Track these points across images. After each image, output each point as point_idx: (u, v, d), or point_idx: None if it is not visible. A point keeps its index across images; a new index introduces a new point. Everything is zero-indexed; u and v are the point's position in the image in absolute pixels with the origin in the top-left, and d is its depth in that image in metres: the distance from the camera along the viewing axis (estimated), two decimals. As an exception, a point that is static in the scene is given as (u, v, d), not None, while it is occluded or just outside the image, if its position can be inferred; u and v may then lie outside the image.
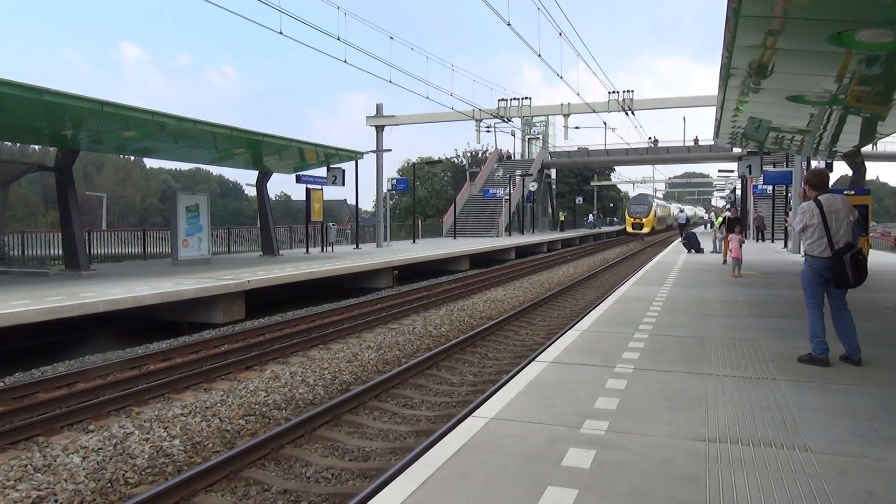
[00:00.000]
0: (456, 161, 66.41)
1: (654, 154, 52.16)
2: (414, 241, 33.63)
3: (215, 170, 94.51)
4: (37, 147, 54.51)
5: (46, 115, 13.06)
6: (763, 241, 31.80)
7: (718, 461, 3.72)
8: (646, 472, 3.57)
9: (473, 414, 4.67)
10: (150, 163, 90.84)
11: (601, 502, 3.21)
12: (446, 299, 15.91)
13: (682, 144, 53.13)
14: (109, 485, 5.36)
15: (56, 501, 5.06)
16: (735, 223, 16.71)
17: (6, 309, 9.39)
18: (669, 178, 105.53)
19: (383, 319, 12.93)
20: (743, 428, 4.28)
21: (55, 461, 5.68)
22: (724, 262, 17.48)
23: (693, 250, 22.85)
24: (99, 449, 5.95)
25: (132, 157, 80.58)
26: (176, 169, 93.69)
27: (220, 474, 5.47)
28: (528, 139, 64.16)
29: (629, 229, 57.06)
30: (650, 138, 52.03)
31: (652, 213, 57.26)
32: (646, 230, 56.46)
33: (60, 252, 16.72)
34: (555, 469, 3.61)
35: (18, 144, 58.83)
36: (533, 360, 7.08)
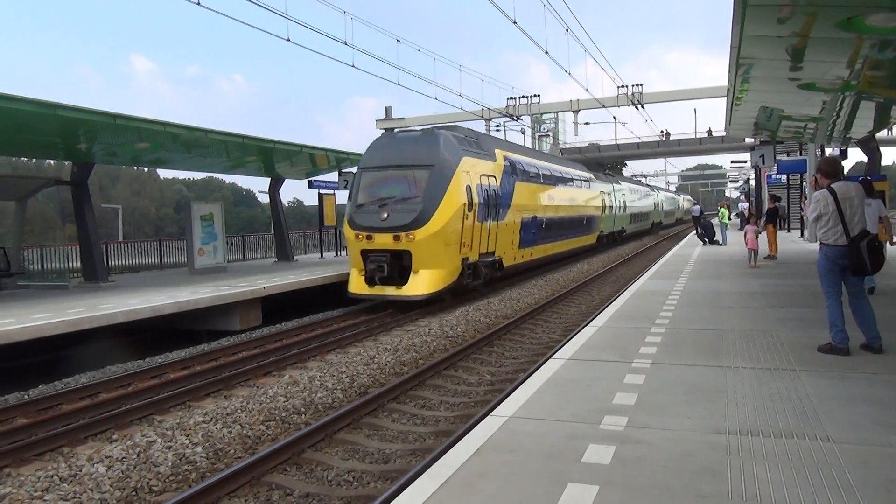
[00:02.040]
0: (466, 161, 66.05)
1: (665, 147, 51.80)
2: (427, 243, 33.53)
3: (228, 178, 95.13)
4: (52, 162, 55.28)
5: (61, 130, 13.23)
6: (780, 229, 31.54)
7: (740, 453, 3.70)
8: (667, 466, 3.56)
9: (492, 413, 4.68)
10: (164, 173, 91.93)
11: (622, 498, 3.20)
12: (462, 299, 15.90)
13: (693, 136, 52.72)
14: (134, 493, 5.43)
15: (83, 511, 5.13)
16: (774, 214, 16.63)
17: (28, 322, 9.54)
18: (682, 171, 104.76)
19: (399, 321, 12.95)
20: (763, 420, 4.25)
21: (80, 471, 5.76)
22: (772, 255, 15.97)
23: (708, 241, 22.68)
24: (123, 458, 6.02)
25: (146, 169, 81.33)
26: (189, 178, 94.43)
27: (243, 480, 5.53)
28: (539, 136, 63.83)
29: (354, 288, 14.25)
30: (662, 131, 51.63)
31: (447, 203, 13.52)
32: (419, 292, 13.34)
33: (79, 265, 16.93)
34: (575, 466, 3.61)
35: (34, 160, 59.58)
36: (550, 357, 7.08)
